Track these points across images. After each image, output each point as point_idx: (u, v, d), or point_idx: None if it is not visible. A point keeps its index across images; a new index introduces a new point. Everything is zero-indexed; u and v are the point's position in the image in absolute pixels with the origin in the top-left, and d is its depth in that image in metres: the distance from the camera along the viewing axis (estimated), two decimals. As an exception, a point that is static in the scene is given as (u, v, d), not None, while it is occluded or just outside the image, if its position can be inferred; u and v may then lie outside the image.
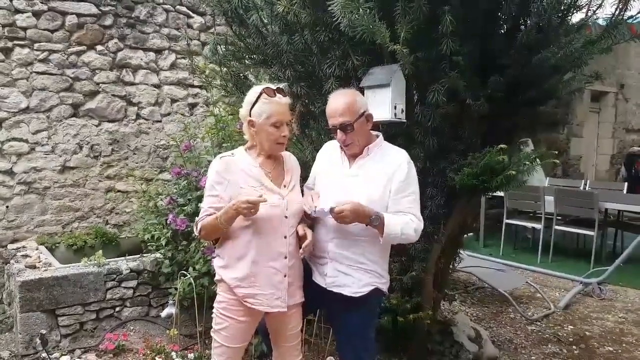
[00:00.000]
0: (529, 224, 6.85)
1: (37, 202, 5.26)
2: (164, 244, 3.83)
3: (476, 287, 5.34)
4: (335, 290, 2.28)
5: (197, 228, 2.22)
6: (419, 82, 2.70)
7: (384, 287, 2.37)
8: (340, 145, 2.34)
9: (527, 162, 2.62)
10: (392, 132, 2.68)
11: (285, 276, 2.22)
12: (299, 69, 3.00)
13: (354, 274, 2.27)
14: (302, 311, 2.40)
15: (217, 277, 2.30)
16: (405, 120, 2.65)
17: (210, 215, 2.17)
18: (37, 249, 4.74)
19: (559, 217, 6.57)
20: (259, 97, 2.17)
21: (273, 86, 2.23)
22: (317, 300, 2.38)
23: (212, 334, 2.29)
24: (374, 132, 2.39)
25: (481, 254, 6.39)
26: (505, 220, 6.84)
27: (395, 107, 2.57)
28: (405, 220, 2.19)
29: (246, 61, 3.38)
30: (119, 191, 5.68)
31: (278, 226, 2.20)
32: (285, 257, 2.22)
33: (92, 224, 5.55)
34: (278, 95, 2.19)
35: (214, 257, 2.38)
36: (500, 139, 2.79)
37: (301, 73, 3.01)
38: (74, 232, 5.43)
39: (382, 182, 2.22)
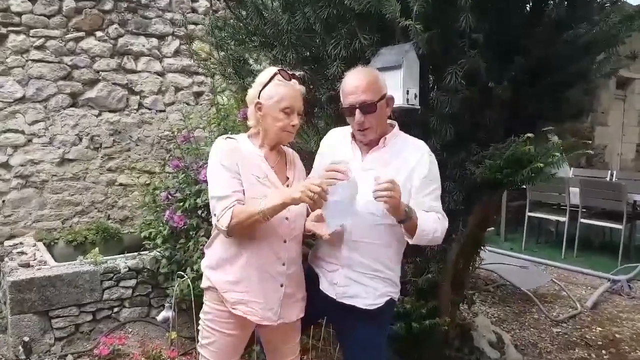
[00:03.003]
0: (553, 217, 6.49)
1: (35, 197, 5.08)
2: (159, 242, 3.58)
3: (497, 285, 5.03)
4: (346, 302, 2.01)
5: (225, 220, 1.83)
6: (435, 64, 2.40)
7: (397, 296, 2.12)
8: (351, 134, 2.05)
9: (556, 154, 2.31)
10: (405, 121, 2.38)
11: (282, 286, 1.97)
12: (302, 51, 2.71)
13: (368, 283, 2.00)
14: (303, 323, 2.14)
15: (204, 283, 2.03)
16: (419, 107, 2.35)
17: (238, 200, 1.86)
18: (34, 246, 4.56)
19: (584, 210, 6.21)
20: (272, 78, 1.94)
21: (289, 70, 2.00)
22: (323, 312, 2.11)
23: (198, 348, 2.05)
24: (389, 121, 2.10)
25: (502, 248, 6.07)
26: (528, 213, 6.49)
27: (407, 92, 2.28)
28: (434, 218, 1.91)
29: (246, 45, 3.10)
30: (120, 184, 5.47)
31: (277, 227, 1.93)
32: (284, 264, 1.96)
33: (93, 219, 5.36)
34: (293, 80, 1.97)
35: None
36: (524, 127, 2.50)
37: (304, 55, 2.73)
38: (73, 228, 5.24)
39: (401, 178, 1.92)
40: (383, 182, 1.74)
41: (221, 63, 3.20)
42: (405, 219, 1.82)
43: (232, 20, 3.14)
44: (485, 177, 2.40)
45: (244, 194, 1.88)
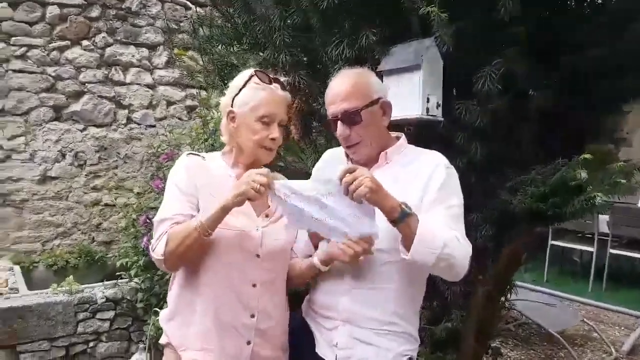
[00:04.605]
0: (580, 247, 5.92)
1: (14, 217, 4.73)
2: (132, 274, 3.17)
3: (519, 323, 4.49)
4: None
5: (160, 247, 1.49)
6: (462, 65, 1.92)
7: (416, 355, 1.64)
8: (345, 152, 1.64)
9: (619, 180, 1.82)
10: (423, 135, 1.91)
11: (249, 343, 1.54)
12: (297, 53, 2.26)
13: (379, 342, 1.55)
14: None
15: (162, 339, 1.64)
16: (442, 119, 1.88)
17: (178, 223, 1.50)
18: (10, 270, 4.23)
19: (614, 239, 5.66)
20: (247, 81, 1.60)
21: (271, 73, 1.68)
22: None
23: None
24: (394, 134, 1.69)
25: (523, 280, 5.52)
26: (551, 242, 5.92)
27: (427, 100, 1.83)
28: (451, 235, 1.42)
29: (234, 47, 2.66)
30: (106, 204, 5.09)
31: (245, 268, 1.54)
32: (253, 316, 1.54)
33: (75, 241, 4.99)
34: (274, 84, 1.61)
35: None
36: (567, 146, 2.06)
37: (300, 58, 2.27)
38: (54, 251, 4.89)
39: (413, 199, 1.48)
40: (341, 175, 1.38)
41: (206, 69, 2.77)
42: (401, 217, 1.38)
43: (219, 20, 2.71)
44: (526, 208, 1.91)
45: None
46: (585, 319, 4.63)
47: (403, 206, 1.38)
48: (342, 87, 1.55)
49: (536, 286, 5.43)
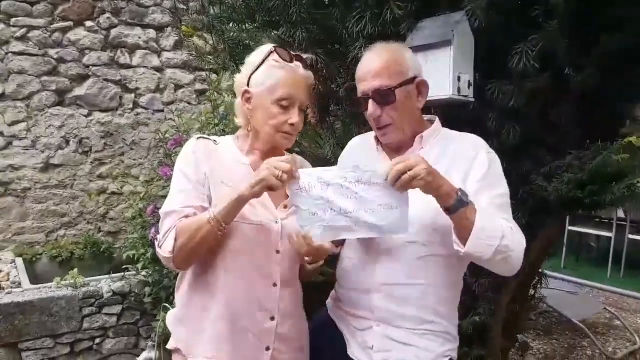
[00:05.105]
0: (598, 232, 5.79)
1: (16, 206, 4.59)
2: (140, 267, 3.05)
3: (539, 312, 4.37)
4: None
5: (167, 244, 1.35)
6: (495, 41, 1.78)
7: (456, 354, 1.52)
8: (375, 137, 1.52)
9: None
10: (453, 117, 1.77)
11: (268, 349, 1.41)
12: (314, 29, 2.11)
13: (418, 343, 1.43)
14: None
15: (170, 344, 1.51)
16: (473, 99, 1.75)
17: (188, 216, 1.36)
18: (12, 262, 4.08)
19: (633, 224, 5.52)
20: (266, 58, 1.45)
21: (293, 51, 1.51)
22: None
23: None
24: (427, 117, 1.56)
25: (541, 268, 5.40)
26: (568, 227, 5.77)
27: (458, 79, 1.69)
28: (507, 226, 1.31)
29: (246, 25, 2.52)
30: (112, 193, 4.94)
31: (263, 264, 1.42)
32: (273, 318, 1.42)
33: (81, 232, 4.87)
34: (296, 62, 1.45)
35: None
36: (603, 129, 1.91)
37: (317, 34, 2.13)
38: (59, 241, 4.75)
39: None
40: (394, 166, 1.23)
41: (216, 49, 2.63)
42: (457, 204, 1.25)
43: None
44: (562, 195, 1.77)
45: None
46: (607, 307, 4.53)
47: (459, 192, 1.26)
48: (375, 62, 1.42)
49: (553, 272, 5.31)
